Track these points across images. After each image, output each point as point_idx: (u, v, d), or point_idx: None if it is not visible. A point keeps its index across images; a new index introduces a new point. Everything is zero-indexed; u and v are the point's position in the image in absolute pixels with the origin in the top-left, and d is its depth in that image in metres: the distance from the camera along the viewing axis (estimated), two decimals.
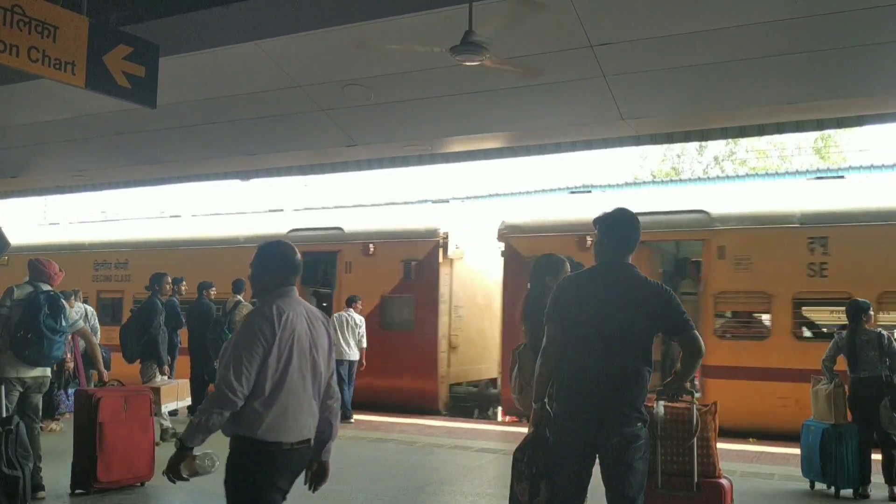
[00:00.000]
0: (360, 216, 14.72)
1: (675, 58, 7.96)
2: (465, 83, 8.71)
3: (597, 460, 3.65)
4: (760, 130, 10.14)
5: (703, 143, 32.01)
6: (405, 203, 17.00)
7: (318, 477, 3.60)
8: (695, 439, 3.94)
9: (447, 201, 15.07)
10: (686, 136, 10.93)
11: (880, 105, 8.81)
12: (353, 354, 11.35)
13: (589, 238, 10.51)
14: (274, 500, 3.37)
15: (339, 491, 6.72)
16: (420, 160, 12.03)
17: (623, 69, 8.23)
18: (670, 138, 10.80)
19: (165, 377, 9.06)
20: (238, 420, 3.30)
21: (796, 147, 31.81)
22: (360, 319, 11.56)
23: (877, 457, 7.10)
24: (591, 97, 8.80)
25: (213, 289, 11.45)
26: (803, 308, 10.58)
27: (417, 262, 12.87)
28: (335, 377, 3.68)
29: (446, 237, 12.85)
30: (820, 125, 9.95)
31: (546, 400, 3.74)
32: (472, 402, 13.55)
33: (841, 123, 9.89)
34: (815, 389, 7.39)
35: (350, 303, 11.72)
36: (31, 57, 6.23)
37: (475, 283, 13.85)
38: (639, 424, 3.58)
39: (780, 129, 9.97)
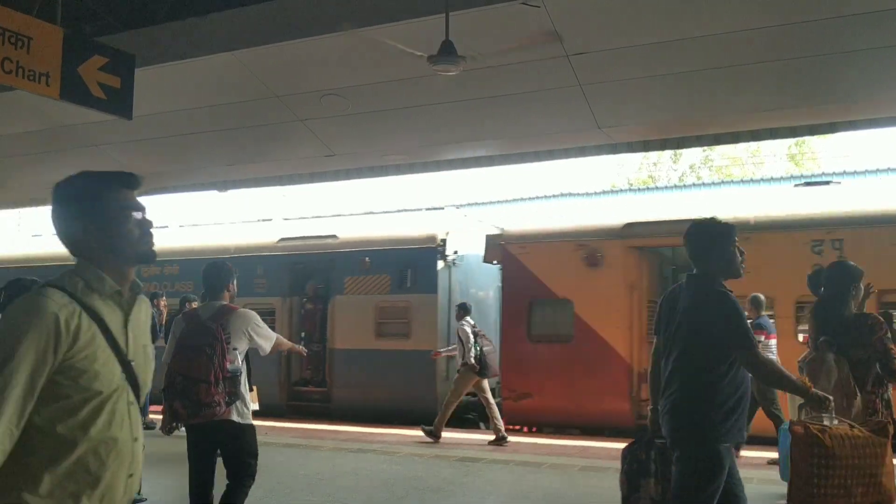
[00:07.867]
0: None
1: (650, 67, 8.04)
2: (443, 93, 8.73)
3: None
4: (735, 138, 10.25)
5: (679, 151, 32.31)
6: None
7: None
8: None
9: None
10: (662, 144, 11.03)
11: (852, 112, 8.93)
12: None
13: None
14: None
15: (319, 502, 6.69)
16: (399, 170, 12.03)
17: (598, 78, 8.29)
18: (646, 146, 10.88)
19: None
20: None
21: (772, 154, 32.13)
22: None
23: None
24: (567, 106, 8.85)
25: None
26: None
27: None
28: None
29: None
30: (793, 132, 10.10)
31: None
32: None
33: (814, 130, 10.06)
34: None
35: None
36: (4, 68, 6.18)
37: None
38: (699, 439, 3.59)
39: (754, 136, 10.08)
